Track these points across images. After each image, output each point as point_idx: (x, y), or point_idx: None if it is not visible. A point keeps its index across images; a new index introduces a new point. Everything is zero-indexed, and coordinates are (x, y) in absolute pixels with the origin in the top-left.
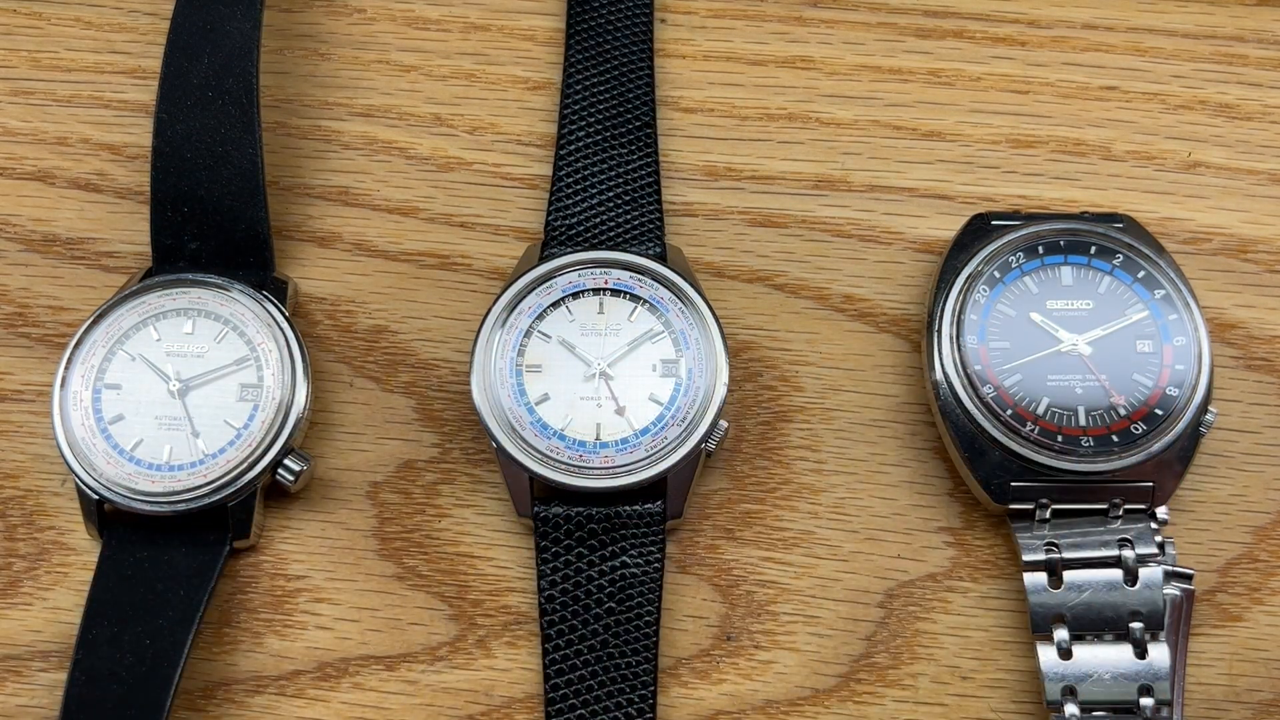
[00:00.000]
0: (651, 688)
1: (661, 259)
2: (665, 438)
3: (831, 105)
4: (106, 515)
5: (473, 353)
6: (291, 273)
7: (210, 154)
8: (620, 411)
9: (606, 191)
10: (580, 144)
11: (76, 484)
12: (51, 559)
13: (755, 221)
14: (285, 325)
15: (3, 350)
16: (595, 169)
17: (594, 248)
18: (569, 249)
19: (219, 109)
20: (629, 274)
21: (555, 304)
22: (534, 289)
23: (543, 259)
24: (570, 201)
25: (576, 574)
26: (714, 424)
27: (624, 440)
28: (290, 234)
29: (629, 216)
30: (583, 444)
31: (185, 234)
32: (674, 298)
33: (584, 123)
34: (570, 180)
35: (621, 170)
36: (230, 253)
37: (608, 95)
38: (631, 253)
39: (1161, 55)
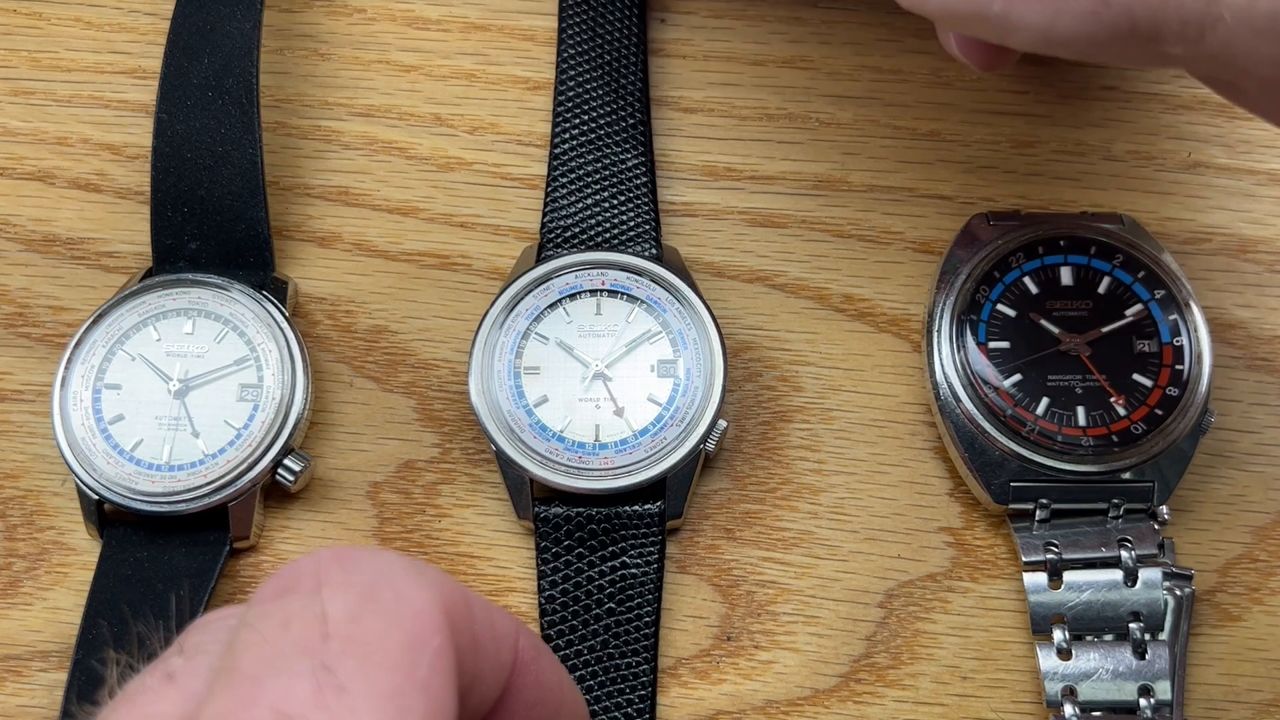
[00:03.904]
0: (651, 688)
1: (658, 259)
2: (664, 438)
3: (831, 105)
4: (106, 515)
5: (471, 355)
6: (291, 273)
7: (210, 154)
8: (619, 412)
9: (601, 191)
10: (573, 143)
11: (76, 484)
12: (51, 559)
13: (755, 221)
14: (285, 325)
15: (3, 350)
16: (588, 169)
17: (590, 249)
18: (565, 250)
19: (219, 109)
20: (626, 275)
21: (552, 305)
22: (531, 291)
23: (539, 260)
24: (565, 202)
25: (576, 574)
26: (713, 424)
27: (623, 441)
28: (290, 234)
29: (625, 217)
30: (582, 445)
31: (185, 234)
32: (671, 298)
33: (576, 121)
34: (564, 180)
35: (615, 170)
36: (230, 253)
37: (599, 93)
38: (628, 253)
39: None
